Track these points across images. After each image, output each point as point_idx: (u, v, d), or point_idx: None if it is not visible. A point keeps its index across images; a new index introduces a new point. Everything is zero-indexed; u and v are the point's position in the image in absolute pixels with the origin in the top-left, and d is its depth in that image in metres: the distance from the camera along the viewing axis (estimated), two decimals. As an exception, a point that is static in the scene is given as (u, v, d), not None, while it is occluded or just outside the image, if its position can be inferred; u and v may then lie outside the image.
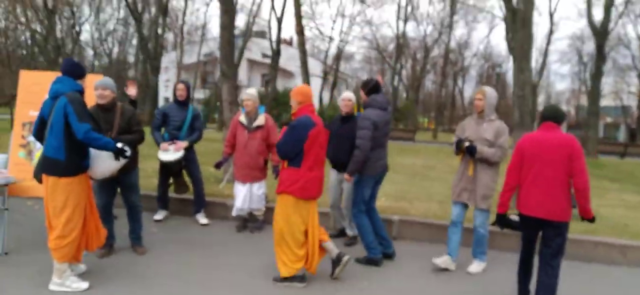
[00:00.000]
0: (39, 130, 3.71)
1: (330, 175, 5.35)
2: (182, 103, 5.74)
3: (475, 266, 4.75)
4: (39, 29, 20.66)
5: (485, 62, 45.20)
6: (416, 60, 39.25)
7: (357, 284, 4.22)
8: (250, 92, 5.53)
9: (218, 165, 5.64)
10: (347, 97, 5.16)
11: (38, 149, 4.01)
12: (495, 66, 46.65)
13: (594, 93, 19.40)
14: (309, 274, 4.19)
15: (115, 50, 35.33)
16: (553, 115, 3.66)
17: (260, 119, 5.47)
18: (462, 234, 4.75)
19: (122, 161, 3.87)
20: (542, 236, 3.71)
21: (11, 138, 5.23)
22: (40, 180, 3.72)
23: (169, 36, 31.92)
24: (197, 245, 5.06)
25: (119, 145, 3.77)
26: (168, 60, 33.58)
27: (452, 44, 36.13)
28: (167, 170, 5.70)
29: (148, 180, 6.82)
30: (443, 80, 38.66)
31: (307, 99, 4.06)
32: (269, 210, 5.46)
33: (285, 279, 4.06)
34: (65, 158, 3.55)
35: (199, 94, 39.27)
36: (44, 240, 3.90)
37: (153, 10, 23.96)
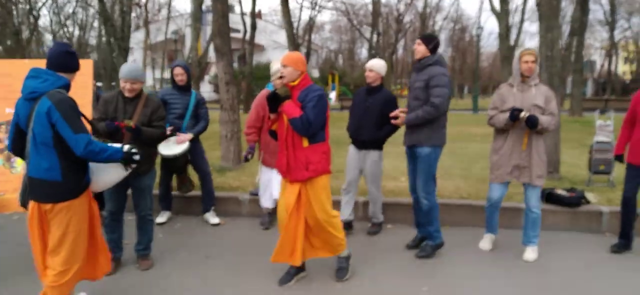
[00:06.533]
0: (16, 141, 2.84)
1: (350, 150, 4.71)
2: (183, 88, 4.93)
3: (532, 252, 4.22)
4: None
5: (454, 24, 44.74)
6: (389, 26, 38.35)
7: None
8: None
9: (246, 158, 4.77)
10: (377, 66, 4.52)
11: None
12: (464, 29, 46.32)
13: (579, 50, 18.88)
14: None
15: (76, 33, 33.01)
16: None
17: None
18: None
19: (129, 171, 3.06)
20: None
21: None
22: (26, 207, 2.86)
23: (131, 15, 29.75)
24: (213, 251, 4.34)
25: (126, 148, 2.92)
26: (133, 41, 31.71)
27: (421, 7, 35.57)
28: (170, 166, 4.92)
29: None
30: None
31: (306, 68, 3.46)
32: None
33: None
34: (62, 178, 2.71)
35: (167, 74, 37.55)
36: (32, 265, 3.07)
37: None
